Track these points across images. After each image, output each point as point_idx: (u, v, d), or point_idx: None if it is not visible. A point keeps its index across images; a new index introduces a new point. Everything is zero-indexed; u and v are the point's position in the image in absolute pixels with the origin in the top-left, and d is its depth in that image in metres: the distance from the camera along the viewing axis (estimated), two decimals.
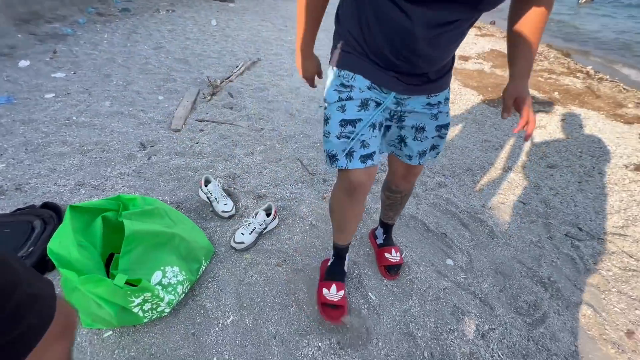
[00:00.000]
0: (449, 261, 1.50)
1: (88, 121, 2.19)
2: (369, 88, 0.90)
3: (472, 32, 6.51)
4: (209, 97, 2.68)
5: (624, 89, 4.10)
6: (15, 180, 1.66)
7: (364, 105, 0.90)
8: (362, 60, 0.88)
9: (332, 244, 1.28)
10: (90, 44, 3.51)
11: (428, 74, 0.90)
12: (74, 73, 2.82)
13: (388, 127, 1.02)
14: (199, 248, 1.29)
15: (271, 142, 2.22)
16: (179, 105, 2.49)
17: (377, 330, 1.18)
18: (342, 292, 1.20)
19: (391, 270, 1.36)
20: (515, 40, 0.88)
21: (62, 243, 1.03)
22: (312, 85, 1.15)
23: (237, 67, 3.33)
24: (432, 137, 1.01)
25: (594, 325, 1.28)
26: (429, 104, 0.96)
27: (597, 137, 2.71)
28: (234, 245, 1.40)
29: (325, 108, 0.95)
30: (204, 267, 1.30)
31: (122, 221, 1.08)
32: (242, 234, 1.42)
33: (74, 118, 2.20)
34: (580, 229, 1.77)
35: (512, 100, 0.90)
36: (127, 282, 1.01)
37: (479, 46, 5.36)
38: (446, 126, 1.01)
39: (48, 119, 2.15)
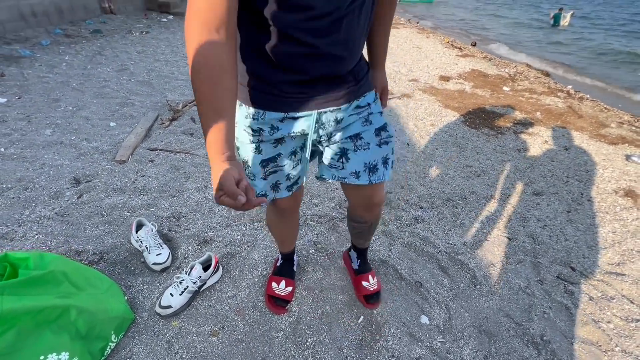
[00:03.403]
0: (424, 319, 1.25)
1: (18, 153, 1.92)
2: (281, 121, 0.78)
3: (453, 52, 6.55)
4: (167, 123, 2.46)
5: (605, 108, 4.05)
6: None
7: (279, 141, 0.83)
8: (269, 93, 0.75)
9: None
10: (47, 66, 3.28)
11: (347, 76, 0.78)
12: (18, 98, 2.57)
13: (321, 153, 0.91)
14: (108, 320, 1.02)
15: None
16: (131, 133, 2.25)
17: None
18: (290, 288, 1.26)
19: (370, 299, 1.27)
20: (371, 31, 0.91)
21: None
22: (246, 205, 0.56)
23: None
24: (376, 145, 0.87)
25: None
26: (357, 106, 0.84)
27: (583, 160, 2.57)
28: (158, 310, 1.13)
29: (237, 148, 0.83)
30: (113, 344, 1.03)
31: None
32: (170, 294, 1.16)
33: (2, 150, 1.93)
34: (573, 269, 1.56)
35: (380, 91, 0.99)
36: None
37: (460, 66, 5.33)
38: (385, 128, 0.89)
39: None
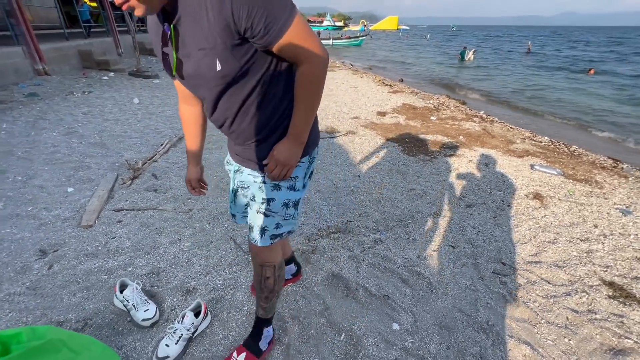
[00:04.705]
0: (395, 325, 1.47)
1: None
2: None
3: (385, 89, 7.41)
4: (128, 182, 2.50)
5: (511, 127, 4.92)
6: None
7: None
8: None
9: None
10: None
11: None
12: None
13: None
14: None
15: (200, 224, 2.09)
16: (93, 196, 2.26)
17: None
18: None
19: None
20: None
21: None
22: (196, 192, 1.23)
23: (162, 144, 3.23)
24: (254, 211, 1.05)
25: None
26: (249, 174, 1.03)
27: (500, 172, 3.12)
28: None
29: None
30: None
31: None
32: (166, 345, 1.23)
33: None
34: (504, 264, 1.92)
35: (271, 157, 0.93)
36: None
37: (393, 102, 6.08)
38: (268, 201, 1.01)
39: None
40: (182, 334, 1.25)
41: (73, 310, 1.42)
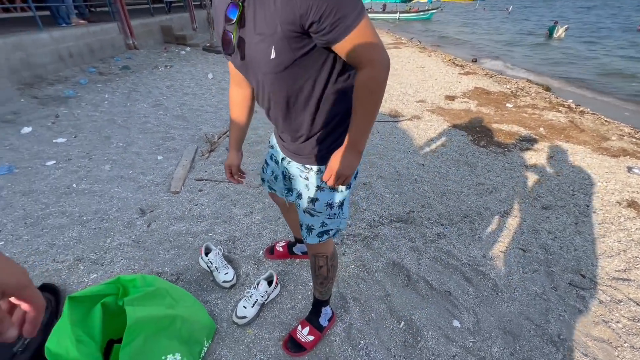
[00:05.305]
0: (456, 322, 1.47)
1: (88, 188, 2.21)
2: None
3: (455, 70, 6.87)
4: (206, 154, 2.75)
5: (606, 121, 4.27)
6: (14, 258, 1.64)
7: None
8: None
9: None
10: (92, 105, 3.64)
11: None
12: (75, 137, 2.90)
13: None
14: (200, 328, 1.26)
15: (269, 199, 2.25)
16: (178, 165, 2.54)
17: None
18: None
19: (290, 345, 1.31)
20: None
21: (61, 341, 1.00)
22: (234, 180, 1.24)
23: None
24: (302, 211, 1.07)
25: None
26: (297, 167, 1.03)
27: (587, 173, 2.78)
28: (236, 320, 1.37)
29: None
30: (206, 349, 1.26)
31: (122, 306, 1.06)
32: (244, 307, 1.39)
33: (74, 186, 2.23)
34: (584, 276, 1.76)
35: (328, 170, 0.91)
36: None
37: (464, 85, 5.63)
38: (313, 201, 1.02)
39: (48, 189, 2.18)
40: (257, 299, 1.41)
41: (168, 264, 1.66)
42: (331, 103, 0.87)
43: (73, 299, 1.12)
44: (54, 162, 2.49)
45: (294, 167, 1.03)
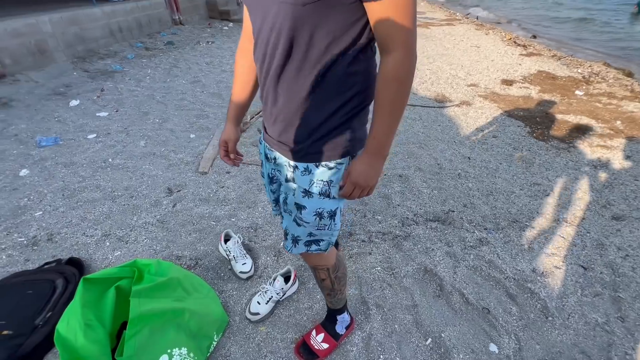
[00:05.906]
0: (493, 347, 1.28)
1: (122, 163, 2.26)
2: None
3: (516, 50, 6.14)
4: None
5: None
6: (49, 229, 1.72)
7: None
8: None
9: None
10: (135, 80, 3.74)
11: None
12: (116, 111, 2.99)
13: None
14: (211, 322, 1.22)
15: None
16: (209, 144, 2.51)
17: None
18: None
19: (301, 350, 1.22)
20: None
21: (70, 325, 1.00)
22: (230, 161, 1.09)
23: None
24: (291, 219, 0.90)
25: None
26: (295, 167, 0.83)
27: None
28: (249, 316, 1.30)
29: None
30: (215, 343, 1.22)
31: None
32: (257, 302, 1.32)
33: (110, 160, 2.29)
34: None
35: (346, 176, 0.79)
36: None
37: (525, 67, 4.99)
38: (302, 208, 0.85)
39: (87, 162, 2.26)
40: (272, 296, 1.33)
41: (188, 248, 1.64)
42: (339, 77, 0.71)
43: (87, 281, 1.11)
44: (94, 135, 2.58)
45: (282, 163, 0.85)
